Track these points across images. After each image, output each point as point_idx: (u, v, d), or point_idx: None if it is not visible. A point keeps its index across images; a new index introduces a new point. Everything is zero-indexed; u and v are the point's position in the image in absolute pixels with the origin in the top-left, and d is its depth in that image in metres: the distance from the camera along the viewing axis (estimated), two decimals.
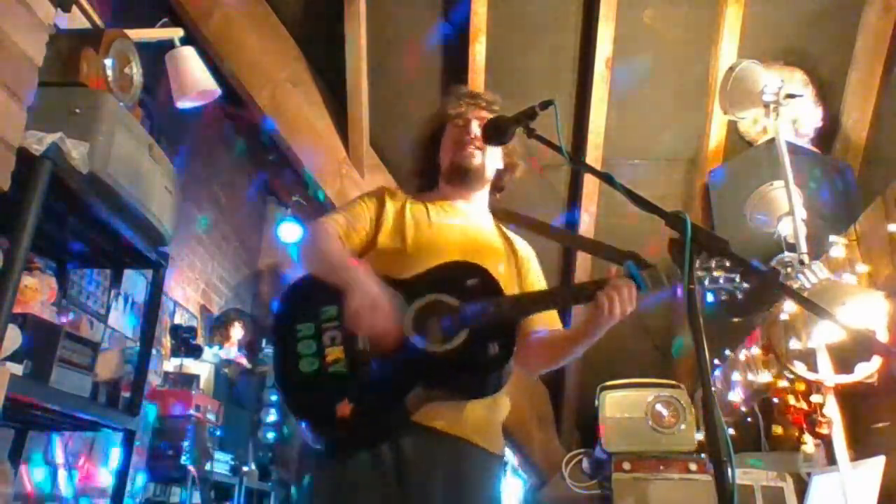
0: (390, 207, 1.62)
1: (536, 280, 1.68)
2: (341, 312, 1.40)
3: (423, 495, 1.34)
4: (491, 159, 1.68)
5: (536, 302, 1.48)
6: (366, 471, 1.35)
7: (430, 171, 1.73)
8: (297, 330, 1.41)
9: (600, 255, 1.43)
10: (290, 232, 4.96)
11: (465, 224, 1.65)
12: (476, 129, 1.65)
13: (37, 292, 2.11)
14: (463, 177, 1.66)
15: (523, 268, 1.66)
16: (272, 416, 4.21)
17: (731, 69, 2.70)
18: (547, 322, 1.58)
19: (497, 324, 1.38)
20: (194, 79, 2.77)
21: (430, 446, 1.37)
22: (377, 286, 1.38)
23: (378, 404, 1.32)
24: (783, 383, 2.60)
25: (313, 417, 1.35)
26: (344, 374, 1.34)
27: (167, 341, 3.85)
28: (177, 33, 2.79)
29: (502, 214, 1.82)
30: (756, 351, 2.98)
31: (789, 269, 2.48)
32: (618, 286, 1.36)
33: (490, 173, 1.70)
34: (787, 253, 2.59)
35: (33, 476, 2.64)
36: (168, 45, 2.77)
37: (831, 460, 2.43)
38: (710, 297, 1.34)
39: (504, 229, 1.75)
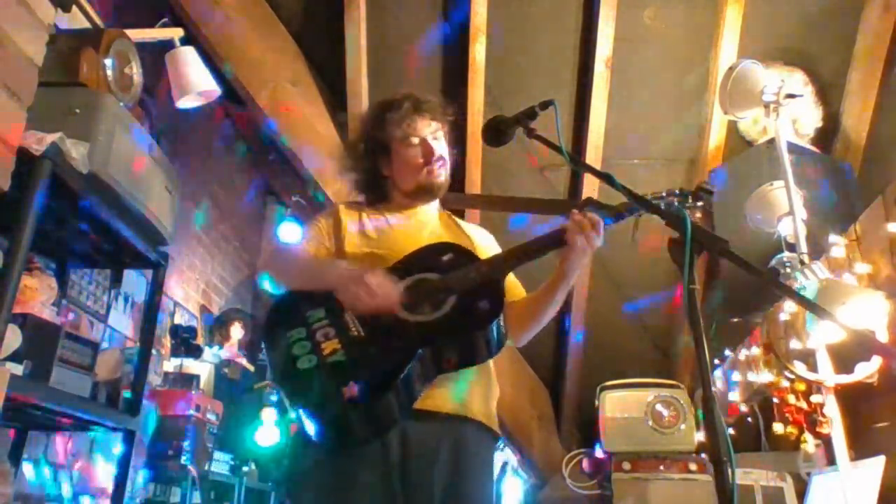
0: (348, 220, 1.63)
1: None
2: (329, 312, 1.42)
3: (426, 477, 1.36)
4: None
5: (512, 257, 1.50)
6: (371, 459, 1.36)
7: (379, 186, 1.72)
8: (289, 337, 1.42)
9: (563, 212, 1.47)
10: (290, 232, 4.95)
11: (426, 227, 1.67)
12: (438, 147, 1.64)
13: (37, 292, 2.11)
14: (433, 195, 1.68)
15: (481, 254, 1.65)
16: (272, 416, 4.20)
17: (731, 69, 2.69)
18: (515, 293, 1.63)
19: (482, 284, 1.42)
20: (194, 79, 2.77)
21: (434, 429, 1.40)
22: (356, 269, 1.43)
23: (382, 380, 1.32)
24: (783, 383, 2.60)
25: (321, 406, 1.34)
26: (343, 361, 1.35)
27: (167, 341, 3.84)
28: (177, 33, 2.79)
29: (455, 201, 1.83)
30: (756, 351, 2.98)
31: (789, 269, 2.48)
32: (579, 219, 1.41)
33: None
34: (787, 253, 2.59)
35: (33, 476, 2.64)
36: (168, 45, 2.77)
37: (831, 460, 2.43)
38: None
39: (457, 222, 1.77)
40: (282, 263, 1.64)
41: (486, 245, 1.72)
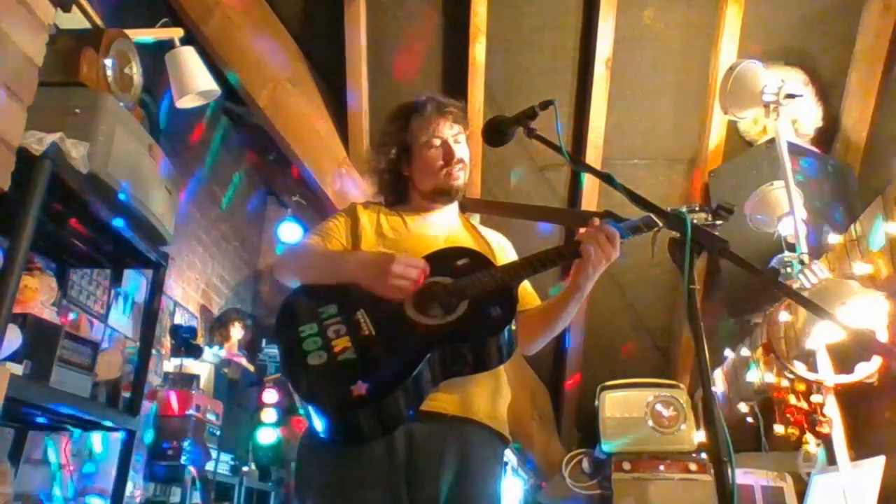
0: (365, 220, 1.64)
1: None
2: (341, 308, 1.42)
3: (431, 478, 1.36)
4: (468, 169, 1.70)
5: (526, 266, 1.50)
6: (377, 461, 1.36)
7: (400, 186, 1.72)
8: (300, 331, 1.42)
9: (578, 222, 1.47)
10: (290, 232, 4.96)
11: (442, 230, 1.67)
12: (458, 150, 1.65)
13: (37, 292, 2.11)
14: (450, 198, 1.68)
15: (498, 259, 1.67)
16: (272, 417, 4.21)
17: (731, 69, 2.69)
18: (529, 301, 1.63)
19: (494, 291, 1.42)
20: (194, 79, 2.76)
21: (440, 431, 1.39)
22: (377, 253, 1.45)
23: (391, 381, 1.32)
24: (783, 383, 2.60)
25: (330, 402, 1.34)
26: (354, 359, 1.35)
27: (167, 341, 3.85)
28: (177, 33, 2.78)
29: (471, 205, 1.82)
30: (756, 351, 2.98)
31: (789, 269, 2.48)
32: (595, 232, 1.42)
33: None
34: (787, 253, 2.59)
35: (33, 476, 2.64)
36: (168, 45, 2.77)
37: (831, 460, 2.43)
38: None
39: (475, 226, 1.77)
40: (299, 257, 1.63)
41: (500, 246, 1.73)
